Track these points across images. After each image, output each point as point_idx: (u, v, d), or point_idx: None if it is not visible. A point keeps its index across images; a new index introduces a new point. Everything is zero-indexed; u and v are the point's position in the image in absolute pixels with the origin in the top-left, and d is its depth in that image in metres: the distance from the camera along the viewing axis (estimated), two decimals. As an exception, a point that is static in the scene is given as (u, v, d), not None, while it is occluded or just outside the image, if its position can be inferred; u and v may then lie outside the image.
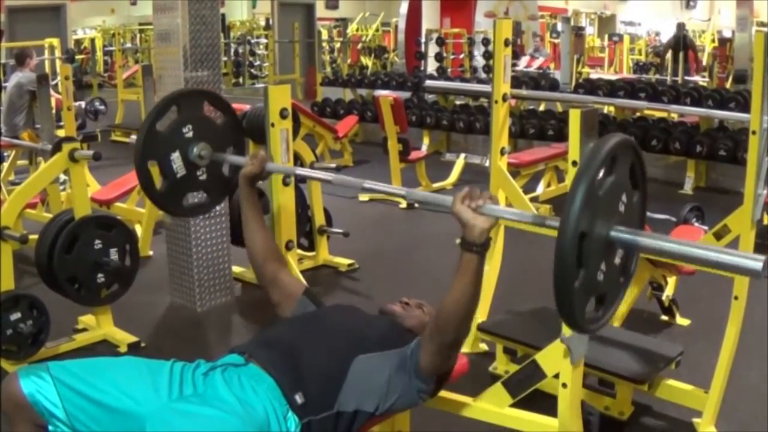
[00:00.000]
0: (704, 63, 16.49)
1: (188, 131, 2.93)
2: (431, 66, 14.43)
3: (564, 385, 2.59)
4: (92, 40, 22.18)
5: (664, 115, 9.19)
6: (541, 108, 10.94)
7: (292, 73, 16.59)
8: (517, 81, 9.65)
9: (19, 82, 8.59)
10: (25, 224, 5.65)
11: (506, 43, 3.82)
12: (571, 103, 2.93)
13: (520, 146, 9.57)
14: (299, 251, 5.37)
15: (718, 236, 3.29)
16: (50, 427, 2.14)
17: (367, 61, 20.55)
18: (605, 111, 9.69)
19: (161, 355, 2.44)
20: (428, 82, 10.46)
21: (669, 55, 13.78)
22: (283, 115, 2.92)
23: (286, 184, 2.98)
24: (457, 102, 10.99)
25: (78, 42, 21.84)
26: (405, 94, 10.79)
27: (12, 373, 2.21)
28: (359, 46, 21.32)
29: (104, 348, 4.34)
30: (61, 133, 6.59)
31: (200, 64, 4.76)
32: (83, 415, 2.14)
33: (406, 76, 12.83)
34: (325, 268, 5.78)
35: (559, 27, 17.53)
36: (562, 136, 8.96)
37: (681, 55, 13.07)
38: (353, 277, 5.63)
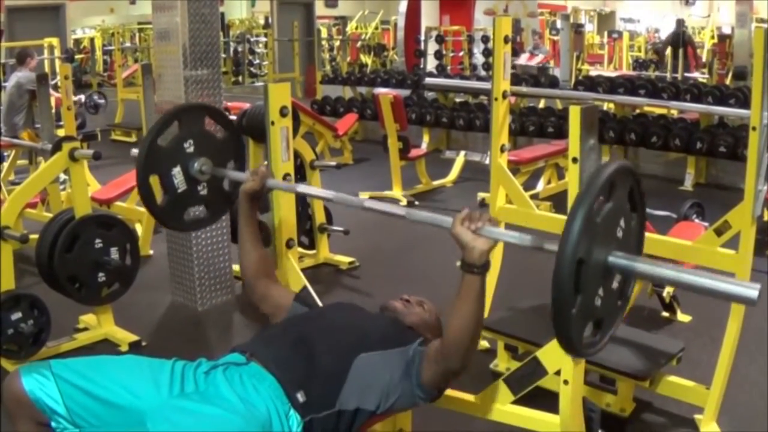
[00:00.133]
0: (704, 59, 16.47)
1: (189, 146, 2.94)
2: (431, 64, 14.41)
3: (565, 382, 2.59)
4: (91, 40, 22.16)
5: (663, 111, 9.20)
6: (541, 105, 10.94)
7: (292, 71, 16.55)
8: (517, 78, 9.64)
9: (19, 82, 8.60)
10: (26, 224, 5.65)
11: (506, 40, 3.81)
12: (570, 100, 2.94)
13: (520, 143, 9.58)
14: (300, 249, 5.37)
15: (719, 232, 3.28)
16: (52, 424, 2.15)
17: (367, 59, 20.53)
18: (605, 108, 9.68)
19: (162, 354, 2.44)
20: (428, 80, 10.44)
21: (668, 51, 13.77)
22: (283, 113, 2.91)
23: (286, 181, 2.97)
24: (457, 99, 10.99)
25: (77, 41, 21.82)
26: (405, 92, 10.78)
27: (13, 371, 2.22)
28: (359, 44, 21.31)
29: (105, 347, 4.34)
30: (60, 132, 6.58)
31: (200, 63, 4.76)
32: (84, 412, 2.14)
33: (405, 74, 12.82)
34: (326, 266, 5.78)
35: (559, 24, 17.52)
36: (561, 133, 8.96)
37: (680, 51, 13.06)
38: (354, 275, 5.63)
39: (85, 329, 4.52)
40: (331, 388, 2.29)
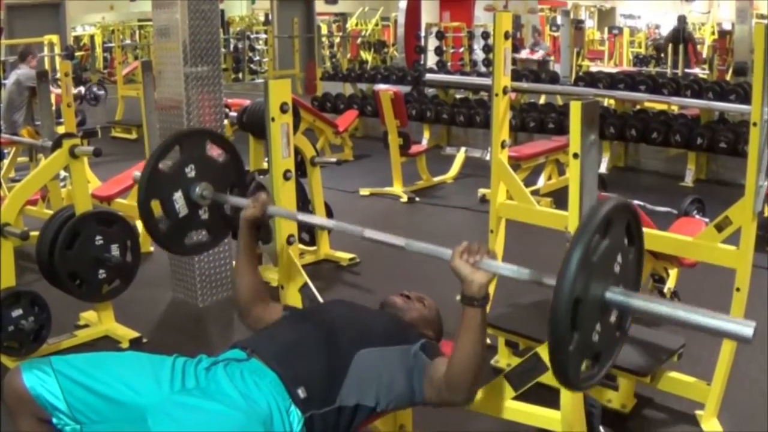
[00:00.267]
0: (704, 55, 16.46)
1: (190, 171, 2.96)
2: (431, 60, 14.41)
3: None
4: (91, 37, 22.16)
5: (664, 107, 9.19)
6: (542, 101, 10.94)
7: (292, 68, 16.58)
8: (518, 74, 9.65)
9: (18, 79, 8.60)
10: (26, 221, 5.65)
11: (506, 36, 3.81)
12: (571, 96, 2.94)
13: (521, 139, 9.56)
14: (300, 246, 5.37)
15: (720, 228, 3.28)
16: (53, 420, 2.15)
17: (367, 55, 20.52)
18: (605, 104, 9.68)
19: (163, 350, 2.44)
20: (428, 76, 10.45)
21: (669, 48, 13.77)
22: (283, 109, 2.91)
23: (287, 178, 2.97)
24: (457, 96, 10.98)
25: (77, 39, 21.84)
26: (405, 88, 10.78)
27: (14, 368, 2.22)
28: (359, 40, 21.29)
29: (106, 344, 4.34)
30: (61, 129, 6.58)
31: (200, 60, 4.76)
32: (85, 408, 2.14)
33: (406, 70, 12.83)
34: (327, 262, 5.78)
35: (559, 20, 17.54)
36: (562, 129, 8.96)
37: (681, 48, 13.06)
38: (354, 272, 5.63)
39: (86, 326, 4.52)
40: (332, 384, 2.29)
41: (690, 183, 8.35)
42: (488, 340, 4.15)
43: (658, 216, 5.23)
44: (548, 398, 2.78)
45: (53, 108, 6.44)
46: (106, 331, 4.43)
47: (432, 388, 2.29)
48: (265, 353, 2.31)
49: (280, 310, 2.73)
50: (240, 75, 20.09)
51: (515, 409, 2.77)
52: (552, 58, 16.20)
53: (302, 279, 3.01)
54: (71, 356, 2.26)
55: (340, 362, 2.32)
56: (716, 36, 16.98)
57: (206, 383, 2.23)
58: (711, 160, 8.57)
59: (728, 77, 13.19)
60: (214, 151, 3.10)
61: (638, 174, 9.15)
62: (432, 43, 14.63)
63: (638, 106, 9.23)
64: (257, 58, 20.31)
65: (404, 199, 7.73)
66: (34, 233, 4.20)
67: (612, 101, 9.49)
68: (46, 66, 11.02)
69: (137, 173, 3.01)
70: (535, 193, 6.92)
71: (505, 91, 3.89)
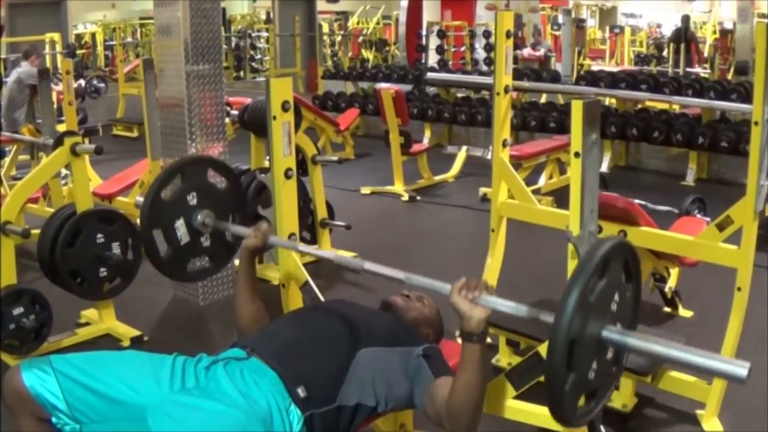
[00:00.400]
0: (705, 55, 16.44)
1: (192, 198, 2.98)
2: (432, 59, 14.41)
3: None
4: (93, 35, 22.19)
5: (665, 106, 9.18)
6: (543, 100, 10.93)
7: (293, 66, 16.56)
8: (519, 72, 9.64)
9: (19, 78, 8.61)
10: (27, 219, 5.65)
11: (508, 35, 3.80)
12: (572, 95, 2.94)
13: (522, 138, 9.57)
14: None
15: (721, 227, 3.28)
16: (53, 419, 2.14)
17: (368, 54, 20.51)
18: (607, 103, 9.68)
19: (164, 349, 2.44)
20: (429, 75, 10.43)
21: (670, 46, 13.78)
22: (284, 107, 2.90)
23: (288, 176, 2.97)
24: (459, 94, 10.98)
25: (79, 37, 21.84)
26: (406, 87, 10.78)
27: (14, 367, 2.22)
28: (360, 39, 21.29)
29: (107, 342, 4.34)
30: (62, 127, 6.58)
31: (201, 58, 4.76)
32: (85, 407, 2.14)
33: (407, 69, 12.83)
34: (328, 261, 5.76)
35: (560, 19, 17.53)
36: (563, 128, 8.96)
37: (682, 46, 13.04)
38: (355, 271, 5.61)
39: (87, 324, 4.52)
40: (332, 384, 2.29)
41: (691, 182, 8.35)
42: (489, 340, 4.17)
43: (660, 215, 5.23)
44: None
45: (54, 106, 6.44)
46: (107, 329, 4.44)
47: (432, 408, 2.27)
48: (264, 352, 2.31)
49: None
50: (241, 73, 20.10)
51: (516, 408, 2.77)
52: (554, 54, 16.20)
53: (303, 278, 3.01)
54: (71, 355, 2.26)
55: (340, 361, 2.32)
56: (717, 35, 16.96)
57: (206, 382, 2.23)
58: (712, 159, 8.56)
59: (729, 76, 13.17)
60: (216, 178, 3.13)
61: (639, 173, 9.15)
62: (433, 41, 14.62)
63: (639, 106, 9.23)
64: (258, 56, 20.31)
65: (405, 197, 7.72)
66: (35, 231, 4.20)
67: (613, 100, 9.49)
68: (48, 64, 11.02)
69: (140, 198, 3.04)
70: (536, 192, 6.91)
71: (506, 90, 3.89)
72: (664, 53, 18.68)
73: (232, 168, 3.24)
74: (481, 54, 15.32)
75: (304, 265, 3.12)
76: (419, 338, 2.51)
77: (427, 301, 2.77)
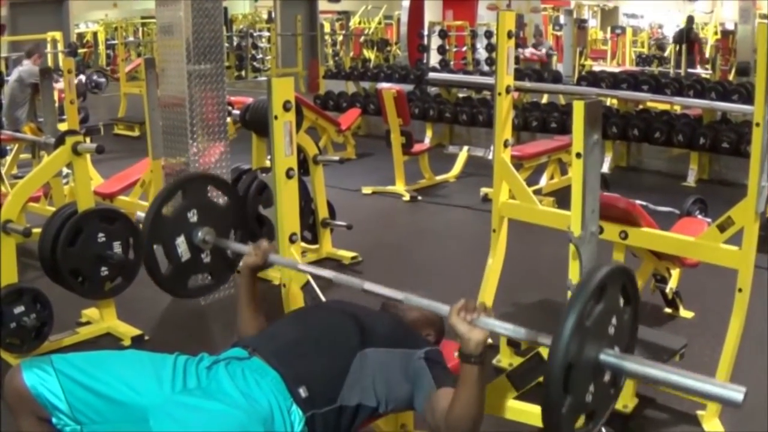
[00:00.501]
0: (707, 55, 16.45)
1: (193, 216, 3.00)
2: (434, 59, 14.41)
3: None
4: (95, 34, 22.19)
5: (667, 107, 9.18)
6: (544, 101, 10.93)
7: (295, 66, 16.55)
8: (520, 73, 9.64)
9: (20, 76, 8.61)
10: (29, 217, 5.64)
11: (509, 35, 3.80)
12: (574, 96, 2.93)
13: (523, 139, 9.56)
14: (302, 244, 5.36)
15: (722, 228, 3.28)
16: (53, 420, 2.14)
17: (370, 53, 20.51)
18: (608, 103, 9.67)
19: (165, 348, 2.44)
20: (431, 75, 10.45)
21: (671, 47, 13.79)
22: (286, 107, 2.90)
23: (289, 176, 2.97)
24: (460, 94, 10.97)
25: (80, 36, 21.84)
26: (408, 87, 10.76)
27: (15, 366, 2.22)
28: (362, 38, 21.29)
29: (108, 341, 4.34)
30: (63, 126, 6.58)
31: (203, 57, 4.76)
32: (86, 408, 2.14)
33: (408, 69, 12.82)
34: (329, 261, 5.77)
35: (562, 19, 17.53)
36: (564, 128, 8.96)
37: (684, 47, 13.04)
38: (357, 270, 5.62)
39: (88, 323, 4.53)
40: (333, 384, 2.28)
41: (692, 183, 8.34)
42: (490, 340, 4.17)
43: (661, 216, 5.22)
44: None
45: (56, 105, 6.45)
46: (108, 328, 4.44)
47: (433, 418, 2.27)
48: (266, 352, 2.31)
49: None
50: (243, 73, 20.10)
51: (517, 408, 2.76)
52: (555, 52, 16.21)
53: (305, 277, 3.01)
54: (72, 355, 2.26)
55: (341, 362, 2.32)
56: (719, 36, 16.96)
57: (207, 382, 2.23)
58: (713, 160, 8.56)
59: (731, 77, 13.17)
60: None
61: (641, 174, 9.15)
62: (435, 41, 14.63)
63: (641, 106, 9.23)
64: (260, 56, 20.31)
65: (406, 197, 7.72)
66: (37, 230, 4.20)
67: (615, 101, 9.49)
68: (50, 63, 11.01)
69: (141, 214, 3.07)
70: (537, 192, 6.92)
71: (508, 90, 3.89)
72: (666, 54, 18.71)
73: (232, 186, 3.26)
74: (482, 54, 15.32)
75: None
76: (420, 340, 2.51)
77: (428, 301, 2.77)
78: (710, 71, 14.85)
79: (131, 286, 4.35)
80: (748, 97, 7.41)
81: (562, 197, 6.90)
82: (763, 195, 3.14)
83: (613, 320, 1.98)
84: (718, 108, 8.30)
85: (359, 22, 23.29)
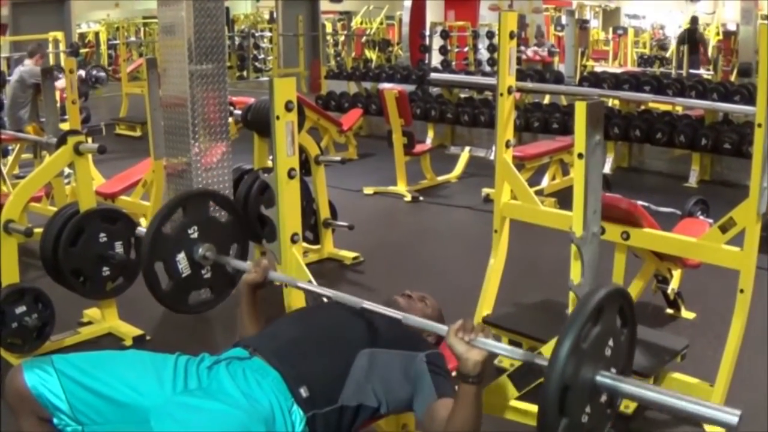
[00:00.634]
0: (709, 56, 16.44)
1: (193, 232, 3.03)
2: (435, 59, 14.40)
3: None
4: (96, 34, 22.19)
5: (668, 108, 9.18)
6: (546, 101, 10.92)
7: (297, 66, 16.56)
8: (522, 73, 9.64)
9: (22, 77, 8.61)
10: (30, 217, 5.64)
11: (511, 35, 3.80)
12: (575, 96, 2.93)
13: (525, 139, 9.55)
14: (304, 244, 5.36)
15: (724, 229, 3.27)
16: (54, 420, 2.15)
17: (372, 54, 20.49)
18: (610, 104, 9.67)
19: (166, 348, 2.44)
20: (433, 75, 10.44)
21: (673, 48, 13.79)
22: (288, 107, 2.90)
23: (291, 176, 2.97)
24: (462, 95, 10.97)
25: (82, 36, 21.84)
26: (409, 87, 10.77)
27: (16, 366, 2.22)
28: (363, 39, 21.28)
29: (109, 341, 4.34)
30: (65, 126, 6.58)
31: (205, 57, 4.76)
32: (87, 408, 2.14)
33: (410, 69, 12.82)
34: (330, 261, 5.77)
35: (564, 20, 17.50)
36: (566, 129, 8.96)
37: (686, 48, 13.04)
38: (358, 270, 5.63)
39: (89, 323, 4.53)
40: (334, 384, 2.29)
41: (694, 184, 8.33)
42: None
43: (662, 217, 5.22)
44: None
45: (58, 105, 6.45)
46: (110, 328, 4.44)
47: (431, 427, 2.28)
48: (267, 352, 2.31)
49: None
50: (244, 73, 20.12)
51: (518, 409, 2.77)
52: (558, 50, 16.22)
53: (306, 278, 3.01)
54: (73, 355, 2.26)
55: (342, 362, 2.32)
56: (721, 37, 16.96)
57: (208, 382, 2.23)
58: (715, 161, 8.55)
59: (733, 78, 13.17)
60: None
61: (642, 174, 9.14)
62: (437, 42, 14.61)
63: (643, 107, 9.22)
64: (262, 56, 20.33)
65: (408, 198, 7.72)
66: (38, 230, 4.20)
67: (616, 102, 9.49)
68: (51, 63, 11.02)
69: (141, 229, 3.08)
70: (539, 193, 6.92)
71: (509, 91, 3.88)
72: (668, 54, 18.69)
73: (232, 201, 3.28)
74: (484, 54, 15.33)
75: (307, 264, 3.12)
76: (421, 342, 2.51)
77: (429, 301, 2.77)
78: (712, 72, 14.85)
79: (133, 286, 4.35)
80: (749, 98, 7.41)
81: (563, 198, 6.90)
82: (764, 196, 3.13)
83: (610, 342, 2.00)
84: (720, 109, 8.29)
85: (361, 23, 23.28)
